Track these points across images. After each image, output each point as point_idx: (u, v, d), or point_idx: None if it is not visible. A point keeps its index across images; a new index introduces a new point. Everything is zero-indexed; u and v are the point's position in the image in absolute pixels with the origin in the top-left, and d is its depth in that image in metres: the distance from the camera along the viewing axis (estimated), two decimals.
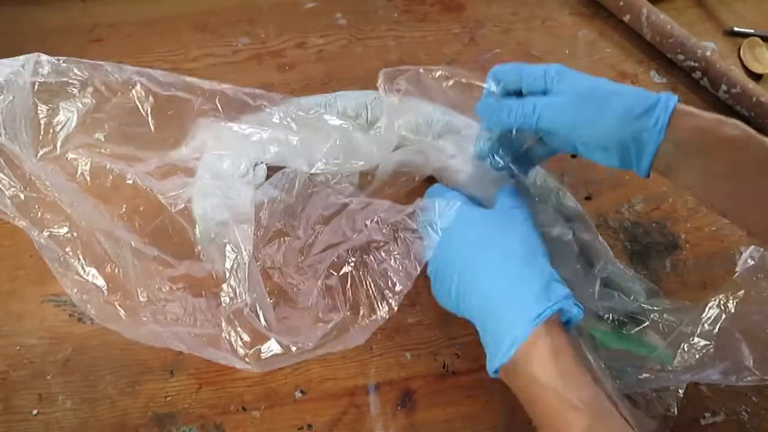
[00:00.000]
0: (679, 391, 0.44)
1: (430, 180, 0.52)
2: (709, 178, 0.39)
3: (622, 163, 0.41)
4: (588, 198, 0.57)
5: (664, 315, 0.46)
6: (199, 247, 0.46)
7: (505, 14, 0.69)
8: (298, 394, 0.47)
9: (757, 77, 0.67)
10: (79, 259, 0.40)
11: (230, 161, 0.48)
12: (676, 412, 0.44)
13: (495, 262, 0.40)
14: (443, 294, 0.42)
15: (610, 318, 0.48)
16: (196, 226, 0.45)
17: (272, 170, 0.50)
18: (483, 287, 0.39)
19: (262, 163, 0.48)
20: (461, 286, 0.40)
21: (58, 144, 0.44)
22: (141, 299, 0.42)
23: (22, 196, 0.40)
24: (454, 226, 0.42)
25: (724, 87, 0.63)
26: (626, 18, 0.68)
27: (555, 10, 0.70)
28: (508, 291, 0.38)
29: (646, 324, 0.48)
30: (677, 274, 0.53)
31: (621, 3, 0.68)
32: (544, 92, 0.43)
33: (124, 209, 0.46)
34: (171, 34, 0.64)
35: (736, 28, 0.70)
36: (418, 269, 0.42)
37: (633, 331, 0.48)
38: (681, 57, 0.65)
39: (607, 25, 0.69)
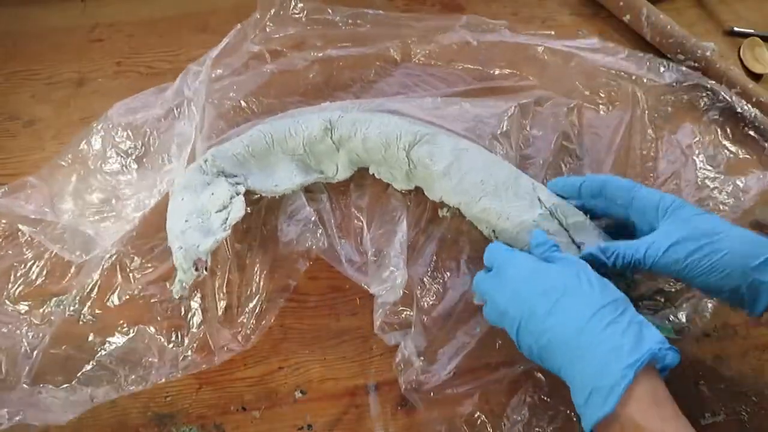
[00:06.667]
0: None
1: None
2: None
3: (731, 303, 0.42)
4: None
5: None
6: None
7: (505, 14, 0.69)
8: (298, 394, 0.47)
9: (757, 77, 0.67)
10: None
11: (208, 193, 0.48)
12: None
13: (578, 313, 0.38)
14: (525, 348, 0.41)
15: None
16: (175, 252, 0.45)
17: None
18: (569, 339, 0.38)
19: (239, 195, 0.48)
20: (542, 341, 0.39)
21: None
22: None
23: None
24: (523, 275, 0.41)
25: (724, 87, 0.63)
26: (626, 18, 0.68)
27: (555, 10, 0.70)
28: (597, 342, 0.37)
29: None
30: None
31: (621, 3, 0.68)
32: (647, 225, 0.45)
33: None
34: (171, 34, 0.64)
35: (736, 28, 0.70)
36: None
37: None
38: (681, 57, 0.64)
39: (607, 25, 0.69)
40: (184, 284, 0.44)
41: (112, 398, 0.44)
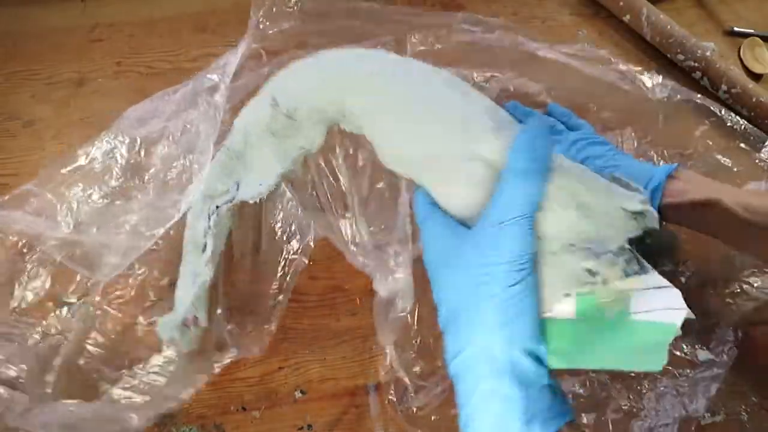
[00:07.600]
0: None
1: None
2: None
3: None
4: None
5: None
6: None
7: (505, 14, 0.69)
8: (298, 394, 0.47)
9: (757, 77, 0.67)
10: None
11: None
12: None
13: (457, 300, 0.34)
14: None
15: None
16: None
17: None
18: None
19: (210, 228, 0.46)
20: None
21: None
22: None
23: None
24: (433, 246, 0.36)
25: (724, 87, 0.63)
26: (626, 18, 0.68)
27: (555, 10, 0.70)
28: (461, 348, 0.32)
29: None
30: (677, 274, 0.53)
31: (621, 3, 0.68)
32: None
33: None
34: (171, 34, 0.64)
35: (736, 28, 0.70)
36: None
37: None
38: (681, 57, 0.65)
39: (607, 25, 0.69)
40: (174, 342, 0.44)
41: (150, 417, 0.43)
